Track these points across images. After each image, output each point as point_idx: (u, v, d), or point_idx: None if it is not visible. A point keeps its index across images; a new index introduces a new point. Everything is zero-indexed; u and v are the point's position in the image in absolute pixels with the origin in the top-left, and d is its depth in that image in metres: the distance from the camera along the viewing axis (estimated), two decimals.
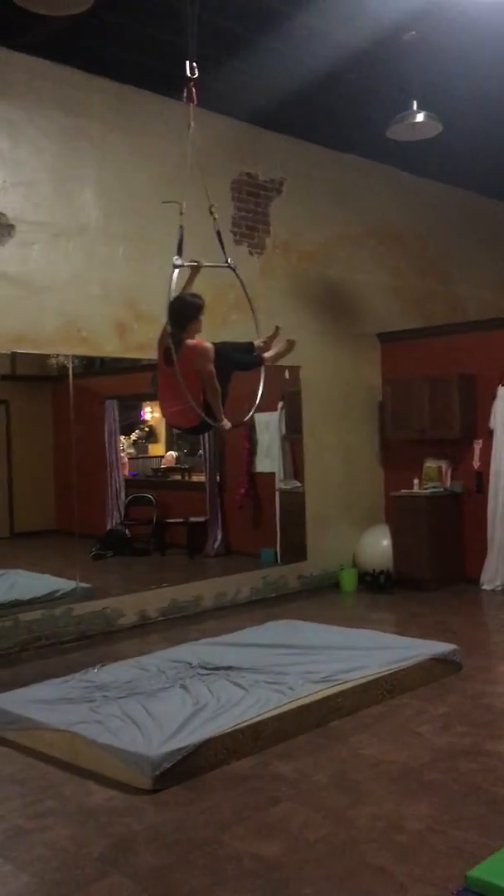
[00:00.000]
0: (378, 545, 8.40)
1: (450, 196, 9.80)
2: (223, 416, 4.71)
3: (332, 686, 4.66)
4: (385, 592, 8.00)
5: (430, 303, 9.60)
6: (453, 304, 9.88)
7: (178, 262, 4.62)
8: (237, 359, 4.90)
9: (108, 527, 9.76)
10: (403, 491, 8.43)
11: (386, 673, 4.92)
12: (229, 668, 4.99)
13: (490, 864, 2.89)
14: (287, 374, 8.27)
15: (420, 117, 6.29)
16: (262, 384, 4.97)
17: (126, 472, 10.23)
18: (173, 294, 4.61)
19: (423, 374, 8.47)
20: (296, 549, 8.36)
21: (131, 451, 10.52)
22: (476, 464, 8.23)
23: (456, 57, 6.41)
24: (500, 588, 7.95)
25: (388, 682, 4.90)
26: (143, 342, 6.90)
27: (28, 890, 3.01)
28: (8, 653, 6.06)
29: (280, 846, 3.23)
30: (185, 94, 4.81)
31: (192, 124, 4.83)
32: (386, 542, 8.37)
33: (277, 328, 5.07)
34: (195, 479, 10.00)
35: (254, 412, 5.13)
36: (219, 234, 4.87)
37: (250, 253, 7.75)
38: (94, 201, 6.65)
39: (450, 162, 8.85)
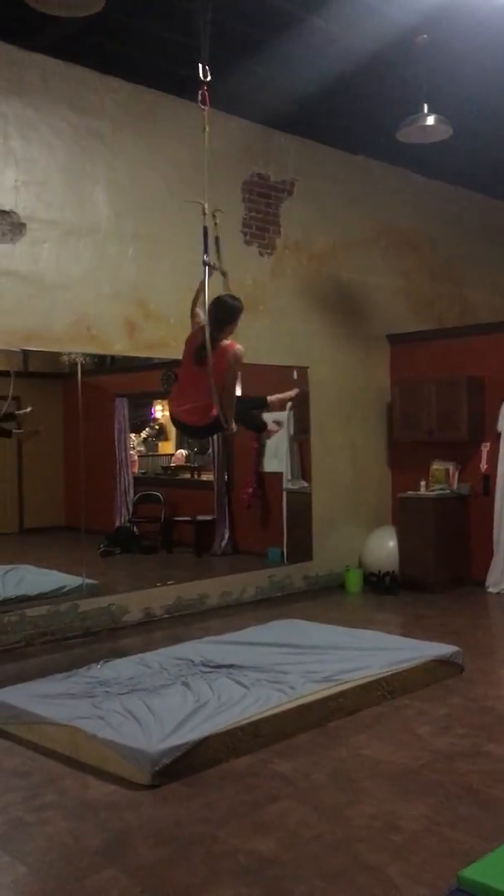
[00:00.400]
0: (384, 546, 8.42)
1: (461, 198, 9.79)
2: (233, 420, 4.78)
3: (333, 686, 4.69)
4: (390, 594, 8.02)
5: (440, 305, 9.60)
6: (463, 307, 9.87)
7: (207, 259, 4.64)
8: (248, 414, 5.08)
9: (117, 524, 9.82)
10: (410, 492, 8.44)
11: (387, 674, 4.94)
12: (231, 666, 5.02)
13: (482, 865, 2.91)
14: (296, 375, 8.30)
15: (430, 120, 6.29)
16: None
17: (135, 470, 10.29)
18: (204, 293, 4.61)
19: (431, 376, 8.48)
20: (302, 549, 8.38)
21: (141, 448, 10.57)
22: (483, 466, 8.23)
23: (467, 60, 6.41)
24: None
25: (390, 682, 4.92)
26: (152, 341, 6.96)
27: (26, 881, 3.05)
28: (13, 647, 6.11)
29: (276, 843, 3.26)
30: (199, 98, 4.82)
31: (207, 129, 4.84)
32: (392, 544, 8.39)
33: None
34: (204, 477, 10.04)
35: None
36: (217, 239, 4.79)
37: (260, 254, 7.78)
38: (106, 200, 6.70)
39: (461, 164, 8.85)
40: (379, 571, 8.22)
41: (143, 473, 10.41)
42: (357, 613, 7.41)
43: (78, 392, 7.15)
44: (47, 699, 4.51)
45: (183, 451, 10.41)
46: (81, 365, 7.17)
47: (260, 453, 9.13)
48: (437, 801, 3.61)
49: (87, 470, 7.55)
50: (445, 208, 9.62)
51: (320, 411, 8.39)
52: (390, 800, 3.63)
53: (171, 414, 4.99)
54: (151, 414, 10.68)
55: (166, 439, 10.65)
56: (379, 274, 8.91)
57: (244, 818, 3.49)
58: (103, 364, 9.24)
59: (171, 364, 8.42)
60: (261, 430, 5.78)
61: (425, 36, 5.99)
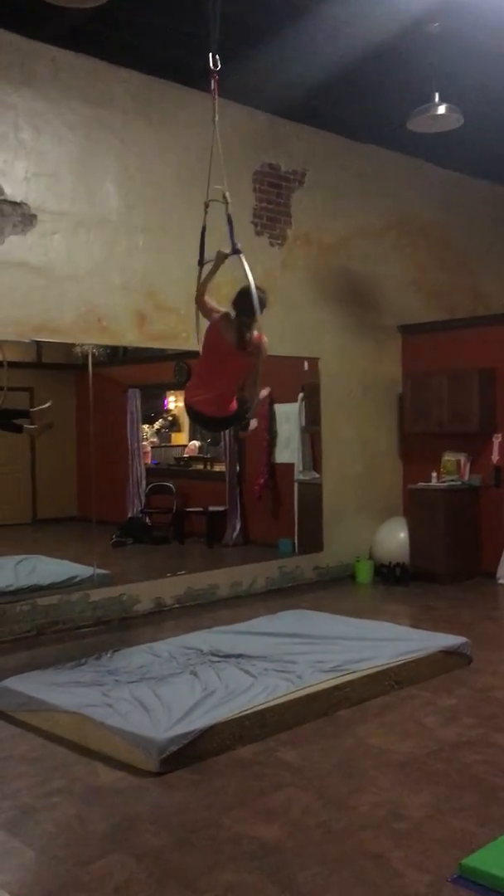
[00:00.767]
0: (395, 538, 8.42)
1: (473, 188, 9.73)
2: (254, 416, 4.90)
3: (341, 676, 4.71)
4: (400, 585, 8.02)
5: (452, 296, 9.56)
6: (475, 298, 9.82)
7: (238, 245, 4.69)
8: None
9: (129, 515, 9.87)
10: (421, 484, 8.43)
11: (395, 664, 4.96)
12: (240, 655, 5.06)
13: (484, 854, 2.94)
14: (307, 366, 8.30)
15: (441, 109, 6.26)
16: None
17: (148, 461, 10.33)
18: (248, 281, 4.58)
19: (443, 368, 8.45)
20: (313, 540, 8.39)
21: (154, 439, 10.61)
22: (495, 458, 8.21)
23: (479, 49, 6.36)
24: None
25: (397, 673, 4.93)
26: (163, 332, 6.98)
27: (33, 865, 3.10)
28: (25, 636, 6.17)
29: (280, 830, 3.29)
30: (212, 87, 4.82)
31: (217, 118, 4.85)
32: (403, 535, 8.39)
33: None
34: (216, 468, 10.07)
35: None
36: (229, 217, 4.82)
37: (271, 244, 7.78)
38: (116, 191, 6.71)
39: (473, 153, 8.79)
40: (389, 563, 8.22)
41: (156, 464, 10.45)
42: (367, 604, 7.42)
43: (90, 383, 7.18)
44: (57, 687, 4.56)
45: (196, 443, 10.44)
46: (94, 356, 7.20)
47: (272, 444, 9.14)
48: (441, 790, 3.63)
49: (99, 461, 7.60)
50: (458, 198, 9.56)
51: (331, 402, 8.38)
52: (395, 788, 3.65)
53: (188, 404, 4.91)
54: (164, 405, 10.71)
55: (179, 430, 10.67)
56: (390, 264, 8.88)
57: (249, 805, 3.52)
58: (116, 355, 9.27)
59: (184, 355, 8.44)
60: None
61: (436, 24, 5.95)
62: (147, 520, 9.87)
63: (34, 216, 6.23)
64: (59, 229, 6.37)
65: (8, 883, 2.95)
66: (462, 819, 3.34)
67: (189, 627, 6.23)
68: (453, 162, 9.16)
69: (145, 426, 10.32)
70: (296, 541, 8.66)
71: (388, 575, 8.14)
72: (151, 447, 10.51)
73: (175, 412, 10.57)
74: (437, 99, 6.30)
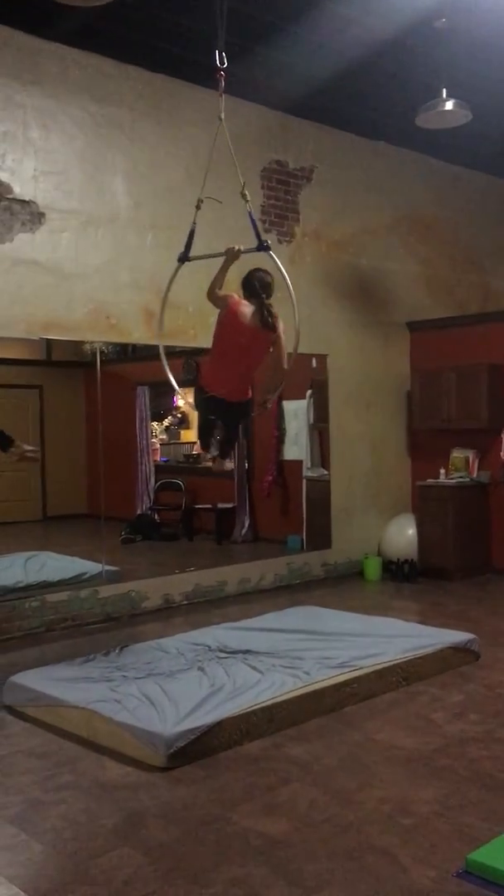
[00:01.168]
0: (403, 534, 8.42)
1: (482, 184, 9.71)
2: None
3: (348, 672, 4.72)
4: (409, 582, 8.03)
5: (461, 292, 9.54)
6: (485, 294, 9.80)
7: (267, 243, 4.91)
8: None
9: (138, 511, 9.91)
10: (430, 480, 8.43)
11: (402, 660, 4.96)
12: (247, 651, 5.07)
13: (490, 849, 2.95)
14: (315, 363, 8.30)
15: (449, 105, 6.24)
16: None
17: (157, 458, 10.36)
18: (279, 271, 4.79)
19: (451, 364, 8.44)
20: (321, 537, 8.40)
21: (163, 437, 10.63)
22: (503, 454, 8.18)
23: (486, 44, 6.35)
24: None
25: (405, 669, 4.94)
26: (171, 329, 6.97)
27: (41, 858, 3.12)
28: (34, 632, 6.21)
29: (286, 825, 3.31)
30: (219, 86, 4.85)
31: (223, 116, 4.89)
32: (411, 532, 8.39)
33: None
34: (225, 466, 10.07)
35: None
36: (251, 214, 4.94)
37: (279, 241, 7.77)
38: (124, 189, 6.73)
39: (482, 149, 8.77)
40: (398, 559, 8.23)
41: (165, 461, 10.47)
42: (375, 601, 7.42)
43: (98, 380, 7.20)
44: (66, 682, 4.59)
45: None
46: (103, 353, 7.23)
47: (280, 441, 9.15)
48: (448, 785, 3.63)
49: (108, 458, 7.63)
50: (466, 194, 9.54)
51: (339, 399, 8.39)
52: (401, 784, 3.66)
53: (207, 391, 4.89)
54: (173, 402, 10.73)
55: (188, 427, 10.69)
56: (399, 261, 8.87)
57: (256, 800, 3.53)
58: (125, 353, 9.30)
59: (193, 352, 8.46)
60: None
61: (443, 20, 5.94)
62: (156, 517, 9.91)
63: (43, 214, 6.25)
64: (68, 227, 6.39)
65: (16, 877, 2.98)
66: (468, 814, 3.35)
67: (197, 624, 6.25)
68: (461, 158, 9.13)
69: (154, 423, 10.35)
70: (304, 537, 8.67)
71: (397, 571, 8.15)
72: (160, 444, 10.54)
73: (184, 409, 10.58)
74: (444, 95, 6.28)
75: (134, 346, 8.74)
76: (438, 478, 8.41)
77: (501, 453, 8.20)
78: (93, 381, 7.33)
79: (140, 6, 5.69)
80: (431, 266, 9.23)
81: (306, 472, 8.78)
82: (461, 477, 8.31)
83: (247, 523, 9.49)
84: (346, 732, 4.26)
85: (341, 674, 4.68)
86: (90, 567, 7.02)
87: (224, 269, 4.86)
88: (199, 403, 5.11)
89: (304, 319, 7.92)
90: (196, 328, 7.00)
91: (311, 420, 8.72)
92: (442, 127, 6.64)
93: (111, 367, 7.63)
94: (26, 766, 3.92)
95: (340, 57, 6.55)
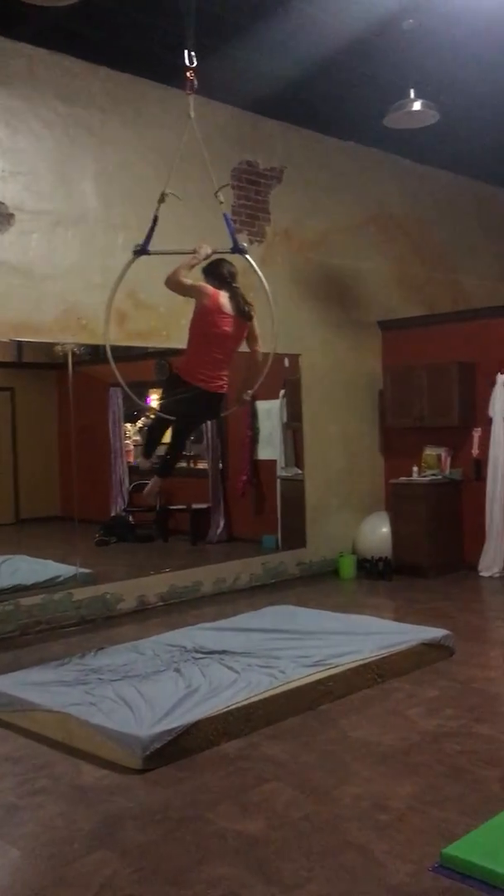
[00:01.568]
0: (377, 532, 8.46)
1: (451, 184, 9.79)
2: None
3: (324, 670, 4.73)
4: (384, 579, 8.07)
5: (432, 291, 9.61)
6: (455, 292, 9.88)
7: (243, 246, 5.07)
8: None
9: (112, 513, 9.86)
10: (403, 478, 8.48)
11: (377, 657, 4.99)
12: (223, 652, 5.07)
13: (465, 843, 2.97)
14: (287, 363, 8.32)
15: (417, 105, 6.30)
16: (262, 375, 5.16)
17: (131, 459, 10.31)
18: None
19: (423, 362, 8.50)
20: (296, 536, 8.42)
21: (137, 438, 10.59)
22: (475, 451, 8.27)
23: (454, 45, 6.40)
24: (497, 574, 8.01)
25: (380, 666, 4.97)
26: (143, 330, 6.98)
27: (18, 864, 3.10)
28: (8, 637, 6.16)
29: (264, 824, 3.31)
30: (187, 85, 4.86)
31: (192, 115, 4.90)
32: (385, 530, 8.43)
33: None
34: (199, 466, 10.07)
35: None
36: (226, 216, 5.02)
37: (251, 241, 7.76)
38: (94, 190, 6.70)
39: (450, 149, 8.85)
40: (372, 557, 8.27)
41: (139, 463, 10.42)
42: (350, 599, 7.46)
43: (70, 382, 7.16)
44: (40, 686, 4.56)
45: None
46: (75, 355, 7.19)
47: (254, 441, 9.16)
48: (424, 780, 3.66)
49: (82, 460, 7.58)
50: (436, 193, 9.61)
51: (312, 398, 8.41)
52: (378, 780, 3.68)
53: (198, 386, 4.85)
54: (147, 403, 10.68)
55: None
56: (370, 260, 8.92)
57: (234, 800, 3.54)
58: (97, 354, 9.23)
59: (165, 353, 8.44)
60: None
61: (412, 21, 5.98)
62: (130, 518, 9.86)
63: (12, 215, 6.21)
64: (38, 228, 6.35)
65: None
66: (444, 809, 3.38)
67: (173, 625, 6.24)
68: (430, 157, 9.20)
69: (128, 424, 10.31)
70: (279, 537, 8.69)
71: (372, 569, 8.19)
72: (134, 445, 10.49)
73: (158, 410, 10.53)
74: (412, 95, 6.33)
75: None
76: (411, 476, 8.46)
77: (473, 450, 8.29)
78: (65, 382, 7.28)
79: (108, 6, 5.67)
80: (402, 265, 9.29)
81: (280, 472, 8.80)
82: (434, 474, 8.37)
83: (221, 523, 9.49)
84: (323, 730, 4.28)
85: (317, 672, 4.70)
86: (64, 570, 6.98)
87: (192, 267, 4.86)
88: (170, 404, 5.04)
89: (276, 319, 7.98)
90: (169, 329, 6.99)
91: (285, 419, 8.74)
92: (410, 127, 6.70)
93: (83, 368, 7.59)
94: (1, 772, 3.89)
95: (309, 57, 6.57)
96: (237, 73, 6.87)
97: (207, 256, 4.89)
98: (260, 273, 4.86)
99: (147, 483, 5.68)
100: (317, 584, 8.05)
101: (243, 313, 4.86)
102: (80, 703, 4.25)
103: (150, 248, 4.91)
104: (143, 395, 10.64)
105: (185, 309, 4.99)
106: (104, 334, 5.00)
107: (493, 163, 9.40)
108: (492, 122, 8.09)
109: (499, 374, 8.00)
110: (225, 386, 4.98)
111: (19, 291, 6.25)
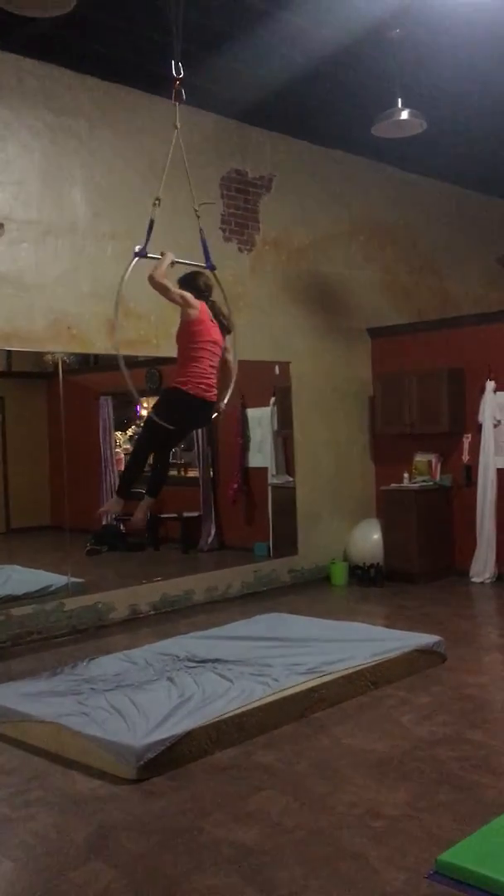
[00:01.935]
0: (369, 539, 8.47)
1: (439, 192, 9.85)
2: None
3: (316, 678, 4.73)
4: (375, 586, 8.08)
5: (421, 298, 9.66)
6: (443, 299, 9.93)
7: (210, 264, 5.23)
8: None
9: (103, 522, 9.83)
10: (393, 485, 8.50)
11: (370, 664, 4.99)
12: (216, 660, 5.07)
13: (460, 849, 2.97)
14: (278, 370, 8.34)
15: (404, 115, 6.33)
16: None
17: (121, 468, 10.29)
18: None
19: (412, 369, 8.54)
20: (287, 544, 8.42)
21: (127, 446, 10.58)
22: (465, 457, 8.29)
23: (441, 54, 6.45)
24: (488, 580, 8.03)
25: (372, 673, 4.97)
26: (133, 339, 6.97)
27: (12, 875, 3.08)
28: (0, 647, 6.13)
29: (258, 833, 3.31)
30: (173, 94, 4.89)
31: (178, 125, 4.93)
32: (376, 536, 8.44)
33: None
34: (190, 474, 10.06)
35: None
36: (201, 231, 5.04)
37: (240, 250, 7.81)
38: (83, 199, 6.71)
39: (438, 158, 8.90)
40: (364, 564, 8.28)
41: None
42: (342, 606, 7.46)
43: (60, 391, 7.15)
44: (33, 697, 4.54)
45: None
46: (65, 364, 7.18)
47: (245, 448, 9.17)
48: (417, 787, 3.66)
49: (72, 469, 7.57)
50: (424, 201, 9.66)
51: (303, 405, 8.43)
52: (372, 787, 3.68)
53: (195, 395, 4.81)
54: (137, 412, 10.68)
55: None
56: (358, 268, 8.96)
57: (228, 809, 3.53)
58: (87, 363, 9.25)
59: (155, 362, 8.45)
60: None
61: (397, 30, 6.03)
62: (121, 527, 9.83)
63: (1, 225, 6.20)
64: (27, 238, 6.35)
65: None
66: (438, 816, 3.38)
67: (165, 634, 6.23)
68: (418, 166, 9.26)
69: (118, 433, 10.30)
70: (271, 544, 8.69)
71: (363, 576, 8.20)
72: (124, 454, 10.48)
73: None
74: (399, 104, 6.37)
75: (96, 357, 8.70)
76: (402, 482, 8.48)
77: (463, 456, 8.32)
78: (55, 391, 7.28)
79: (96, 16, 5.69)
80: (390, 272, 9.33)
81: (271, 479, 8.81)
82: (424, 481, 8.40)
83: (213, 531, 9.48)
84: (316, 738, 4.28)
85: (310, 680, 4.70)
86: (55, 579, 6.96)
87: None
88: (170, 416, 4.90)
89: (266, 327, 8.04)
90: (158, 338, 6.99)
91: (276, 427, 8.75)
92: (398, 136, 6.73)
93: (73, 377, 7.60)
94: None
95: (297, 67, 6.61)
96: (226, 83, 6.90)
97: (171, 264, 4.91)
98: (223, 292, 5.16)
99: (141, 491, 5.65)
100: (309, 591, 8.05)
101: (222, 325, 4.98)
102: (73, 713, 4.24)
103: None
104: (134, 404, 10.67)
105: (175, 318, 5.00)
106: (115, 344, 5.09)
107: (479, 171, 9.46)
108: (479, 131, 8.15)
109: (488, 380, 8.04)
110: (216, 395, 4.99)
111: (9, 301, 6.24)
